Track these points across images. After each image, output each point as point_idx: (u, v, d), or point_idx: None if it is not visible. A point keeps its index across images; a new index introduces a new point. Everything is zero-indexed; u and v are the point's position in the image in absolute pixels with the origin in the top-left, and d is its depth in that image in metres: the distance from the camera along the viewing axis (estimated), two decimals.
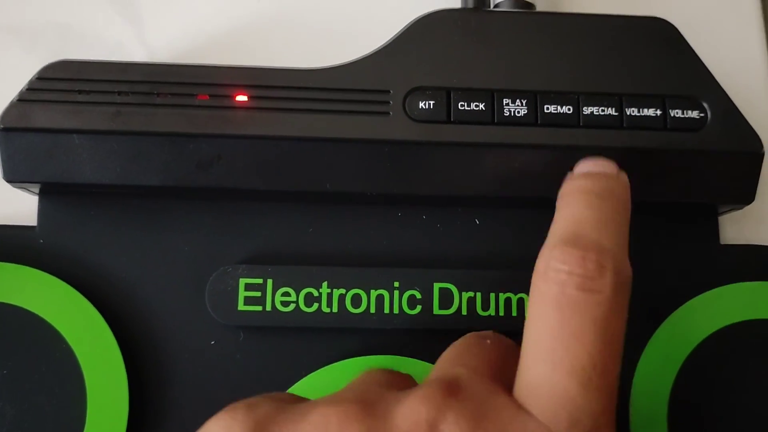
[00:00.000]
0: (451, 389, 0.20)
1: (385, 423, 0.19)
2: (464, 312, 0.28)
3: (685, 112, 0.28)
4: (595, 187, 0.23)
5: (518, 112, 0.27)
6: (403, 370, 0.28)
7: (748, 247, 0.31)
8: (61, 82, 0.27)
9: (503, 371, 0.22)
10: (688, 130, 0.28)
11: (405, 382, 0.24)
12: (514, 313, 0.28)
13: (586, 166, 0.25)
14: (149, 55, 0.33)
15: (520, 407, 0.20)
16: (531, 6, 0.31)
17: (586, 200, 0.23)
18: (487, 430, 0.19)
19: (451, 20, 0.28)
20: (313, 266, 0.28)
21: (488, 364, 0.22)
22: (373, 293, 0.28)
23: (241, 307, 0.28)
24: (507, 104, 0.27)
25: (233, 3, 0.34)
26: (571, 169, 0.26)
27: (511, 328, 0.28)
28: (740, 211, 0.30)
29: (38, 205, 0.30)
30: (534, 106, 0.27)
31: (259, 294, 0.28)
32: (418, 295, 0.28)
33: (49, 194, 0.29)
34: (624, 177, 0.24)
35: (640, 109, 0.28)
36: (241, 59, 0.29)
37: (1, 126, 0.27)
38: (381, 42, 0.28)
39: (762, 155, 0.28)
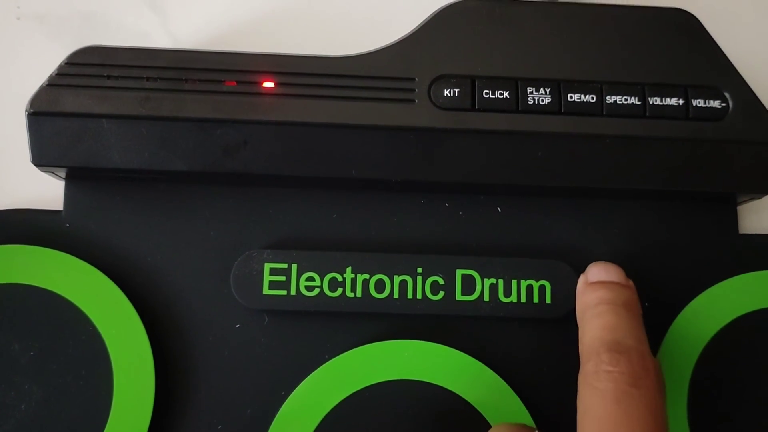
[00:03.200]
0: None
1: None
2: (486, 298, 0.28)
3: (706, 101, 0.28)
4: (617, 298, 0.27)
5: (542, 101, 0.28)
6: (426, 355, 0.28)
7: (767, 237, 0.31)
8: (91, 68, 0.28)
9: None
10: (709, 120, 0.28)
11: None
12: (536, 300, 0.28)
13: (599, 274, 0.28)
14: (173, 44, 0.33)
15: None
16: None
17: (614, 311, 0.26)
18: None
19: (475, 9, 0.29)
20: (338, 251, 0.29)
21: None
22: (397, 279, 0.28)
23: (265, 291, 0.28)
24: (531, 92, 0.28)
25: None
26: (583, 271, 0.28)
27: (532, 315, 0.28)
28: (759, 200, 0.30)
29: (64, 190, 0.30)
30: (558, 95, 0.28)
31: (283, 278, 0.28)
32: (441, 281, 0.28)
33: (75, 179, 0.30)
34: (631, 283, 0.27)
35: (663, 99, 0.28)
36: (264, 49, 0.29)
37: (31, 110, 0.27)
38: (406, 30, 0.29)
39: None
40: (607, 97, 0.28)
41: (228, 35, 0.33)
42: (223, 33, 0.33)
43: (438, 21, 0.29)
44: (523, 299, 0.29)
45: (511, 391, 0.28)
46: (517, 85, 0.28)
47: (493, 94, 0.28)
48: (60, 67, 0.28)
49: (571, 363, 0.26)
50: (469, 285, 0.29)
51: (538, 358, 0.29)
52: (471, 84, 0.28)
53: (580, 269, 0.28)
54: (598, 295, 0.27)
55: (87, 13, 0.33)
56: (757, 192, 0.29)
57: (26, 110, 0.27)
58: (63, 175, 0.30)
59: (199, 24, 0.33)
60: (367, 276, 0.28)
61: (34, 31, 0.33)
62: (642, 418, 0.24)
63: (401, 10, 0.33)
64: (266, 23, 0.33)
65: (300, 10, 0.34)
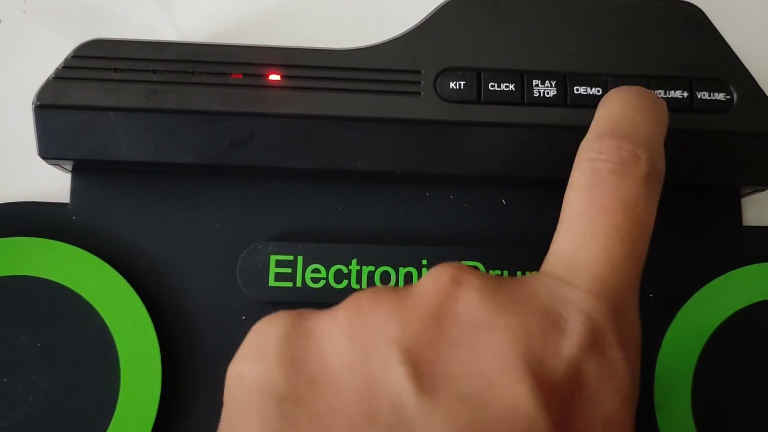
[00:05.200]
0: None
1: (411, 288, 0.20)
2: None
3: (711, 94, 0.28)
4: (632, 93, 0.24)
5: (548, 93, 0.28)
6: None
7: None
8: (97, 60, 0.28)
9: None
10: (714, 112, 0.28)
11: None
12: None
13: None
14: (179, 37, 0.33)
15: (540, 272, 0.21)
16: None
17: (623, 100, 0.23)
18: (509, 284, 0.20)
19: (481, 2, 0.29)
20: (343, 243, 0.29)
21: None
22: (402, 270, 0.29)
23: (271, 283, 0.28)
24: (537, 85, 0.28)
25: None
26: None
27: None
28: (763, 192, 0.30)
29: (71, 183, 0.30)
30: (563, 87, 0.28)
31: (289, 270, 0.28)
32: None
33: (82, 171, 0.30)
34: (662, 101, 0.25)
35: (667, 91, 0.28)
36: (270, 41, 0.29)
37: (38, 103, 0.27)
38: (412, 23, 0.29)
39: None
40: None
41: (234, 28, 0.33)
42: (228, 26, 0.33)
43: (444, 13, 0.29)
44: None
45: None
46: (522, 78, 0.28)
47: (499, 86, 0.28)
48: (66, 60, 0.28)
49: None
50: None
51: None
52: (477, 76, 0.28)
53: None
54: (613, 93, 0.24)
55: (92, 6, 0.33)
56: (761, 184, 0.29)
57: (33, 103, 0.27)
58: (69, 167, 0.30)
59: (204, 17, 0.33)
60: (372, 268, 0.29)
61: (40, 25, 0.33)
62: (612, 209, 0.20)
63: (407, 3, 0.33)
64: (272, 16, 0.33)
65: (306, 3, 0.34)
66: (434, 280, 0.20)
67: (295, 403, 0.19)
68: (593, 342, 0.19)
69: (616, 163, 0.21)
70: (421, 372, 0.18)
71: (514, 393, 0.18)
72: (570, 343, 0.19)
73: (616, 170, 0.21)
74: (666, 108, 0.24)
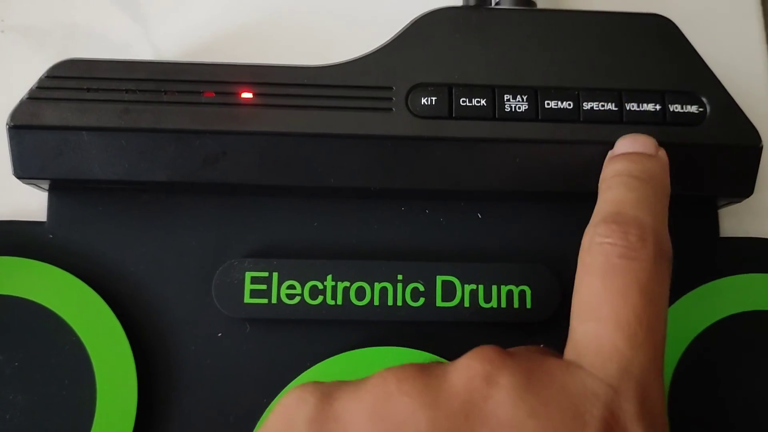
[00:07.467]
0: (504, 351, 0.21)
1: (441, 379, 0.20)
2: (467, 304, 0.29)
3: (684, 106, 0.28)
4: (634, 169, 0.24)
5: (519, 108, 0.28)
6: (407, 362, 0.28)
7: (747, 240, 0.31)
8: (70, 80, 0.28)
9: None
10: (687, 125, 0.28)
11: None
12: (516, 305, 0.29)
13: (624, 145, 0.26)
14: (156, 55, 0.33)
15: (570, 363, 0.21)
16: (532, 3, 0.31)
17: (626, 183, 0.24)
18: (541, 381, 0.20)
19: (452, 18, 0.29)
20: (318, 260, 0.29)
21: (533, 349, 0.24)
22: (377, 286, 0.29)
23: (247, 299, 0.28)
24: (508, 100, 0.28)
25: (238, 3, 0.34)
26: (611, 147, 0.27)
27: (513, 320, 0.29)
28: (739, 204, 0.30)
29: (47, 201, 0.30)
30: (535, 102, 0.28)
31: (264, 287, 0.28)
32: (421, 288, 0.29)
33: (58, 190, 0.30)
34: (663, 154, 0.25)
35: (640, 104, 0.28)
36: (245, 58, 0.29)
37: (12, 123, 0.28)
38: (384, 40, 0.29)
39: (760, 149, 0.28)
40: (584, 104, 0.28)
41: (210, 45, 0.33)
42: (205, 43, 0.33)
43: (415, 30, 0.29)
44: (504, 304, 0.29)
45: None
46: (494, 93, 0.28)
47: (470, 101, 0.28)
48: (40, 80, 0.28)
49: None
50: (449, 291, 0.29)
51: None
52: (448, 92, 0.28)
53: (561, 274, 0.28)
54: (615, 168, 0.25)
55: (70, 25, 0.34)
56: (737, 196, 0.29)
57: (7, 124, 0.28)
58: (46, 186, 0.30)
59: (181, 34, 0.34)
60: (347, 283, 0.29)
61: (18, 44, 0.33)
62: (628, 293, 0.21)
63: (378, 20, 0.33)
64: (248, 32, 0.34)
65: (280, 21, 0.34)
66: (465, 374, 0.20)
67: None
68: None
69: (625, 247, 0.22)
70: None
71: None
72: None
73: (626, 254, 0.22)
74: (666, 161, 0.25)
